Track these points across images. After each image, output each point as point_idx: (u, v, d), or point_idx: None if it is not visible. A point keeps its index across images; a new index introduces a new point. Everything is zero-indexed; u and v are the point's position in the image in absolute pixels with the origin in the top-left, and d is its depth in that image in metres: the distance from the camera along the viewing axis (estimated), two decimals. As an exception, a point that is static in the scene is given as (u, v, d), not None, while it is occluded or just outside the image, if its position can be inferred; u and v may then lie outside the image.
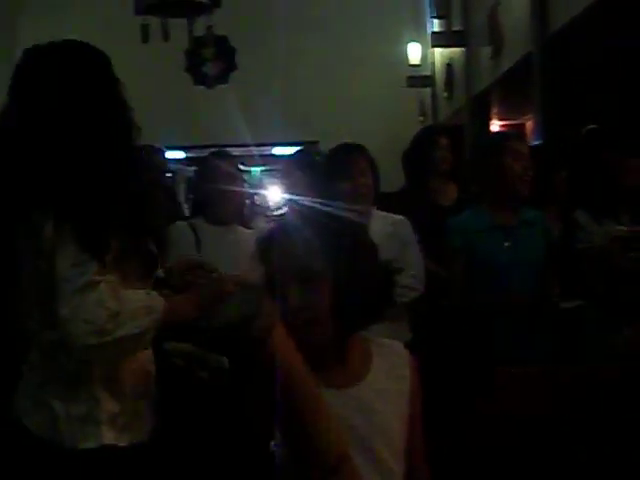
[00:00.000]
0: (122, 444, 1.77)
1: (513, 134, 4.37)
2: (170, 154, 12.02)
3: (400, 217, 3.29)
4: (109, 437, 1.75)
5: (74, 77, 1.80)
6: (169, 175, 8.14)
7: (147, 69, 11.29)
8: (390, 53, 11.72)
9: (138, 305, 1.72)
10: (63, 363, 1.75)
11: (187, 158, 12.79)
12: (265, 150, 12.10)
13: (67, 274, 1.65)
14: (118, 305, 1.67)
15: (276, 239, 1.51)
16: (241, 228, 3.47)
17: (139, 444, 1.81)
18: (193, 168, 13.68)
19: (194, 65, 12.07)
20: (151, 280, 1.89)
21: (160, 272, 2.00)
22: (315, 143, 11.01)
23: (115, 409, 1.77)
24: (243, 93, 11.54)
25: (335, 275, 1.47)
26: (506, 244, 3.22)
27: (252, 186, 12.48)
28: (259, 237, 1.60)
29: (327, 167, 3.37)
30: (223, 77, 12.18)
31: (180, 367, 2.59)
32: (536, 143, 6.06)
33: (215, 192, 3.35)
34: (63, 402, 1.74)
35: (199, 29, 9.74)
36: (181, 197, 12.53)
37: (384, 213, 3.29)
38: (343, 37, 11.76)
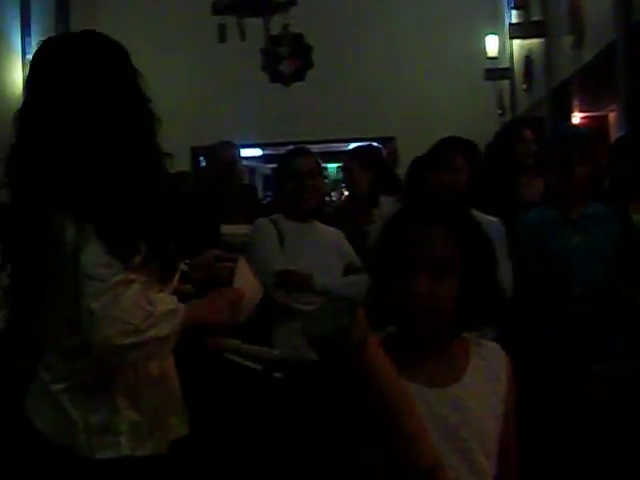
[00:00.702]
0: (140, 454, 1.73)
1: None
2: (247, 152, 12.19)
3: (492, 219, 3.18)
4: (128, 447, 1.72)
5: (91, 69, 1.72)
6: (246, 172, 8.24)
7: (224, 68, 11.40)
8: (467, 46, 11.54)
9: (166, 308, 1.69)
10: (83, 370, 1.72)
11: (264, 155, 12.92)
12: (341, 146, 12.10)
13: (96, 272, 1.61)
14: (151, 306, 1.65)
15: (409, 224, 1.50)
16: (321, 224, 3.46)
17: (159, 455, 1.77)
18: (271, 165, 13.82)
19: (270, 63, 12.13)
20: (171, 283, 1.85)
21: (182, 265, 1.96)
22: (391, 139, 10.97)
23: (135, 418, 1.74)
24: (319, 90, 11.56)
25: (465, 267, 1.47)
26: (575, 239, 3.16)
27: (329, 182, 12.54)
28: (384, 221, 1.58)
29: (427, 159, 3.36)
30: (299, 75, 12.20)
31: (231, 362, 2.60)
32: (620, 135, 5.88)
33: (296, 188, 3.35)
34: (82, 411, 1.71)
35: (275, 27, 9.80)
36: (260, 194, 12.70)
37: (476, 212, 3.24)
38: (419, 31, 11.64)
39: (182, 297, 1.88)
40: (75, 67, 1.70)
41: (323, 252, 3.31)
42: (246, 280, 1.96)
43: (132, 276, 1.65)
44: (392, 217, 1.55)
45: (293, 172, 3.35)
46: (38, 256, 1.70)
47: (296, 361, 2.76)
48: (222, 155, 4.08)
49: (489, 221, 3.15)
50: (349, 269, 3.36)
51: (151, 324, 1.63)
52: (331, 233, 3.45)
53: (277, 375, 2.88)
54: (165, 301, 1.72)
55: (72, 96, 1.69)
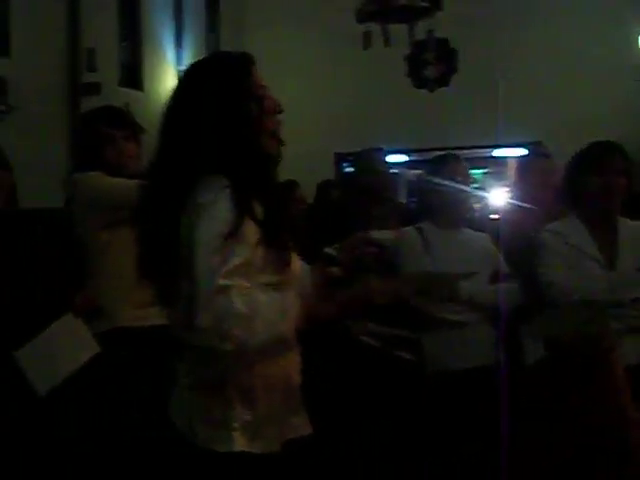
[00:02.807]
0: (254, 451, 1.79)
1: None
2: (392, 158, 12.17)
3: None
4: (241, 443, 1.78)
5: (216, 80, 1.85)
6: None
7: (368, 75, 11.45)
8: (618, 45, 11.10)
9: (273, 311, 1.70)
10: (204, 368, 1.80)
11: (409, 161, 12.86)
12: (486, 152, 11.89)
13: (205, 268, 1.66)
14: (251, 311, 1.65)
15: None
16: (470, 230, 3.40)
17: (273, 453, 1.82)
18: (415, 171, 13.73)
19: (415, 69, 12.09)
20: (288, 270, 1.86)
21: (330, 250, 2.00)
22: (538, 143, 10.68)
23: (248, 417, 1.80)
24: (464, 95, 11.41)
25: None
26: None
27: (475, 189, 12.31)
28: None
29: (579, 162, 3.23)
30: (444, 80, 12.10)
31: (375, 348, 2.59)
32: None
33: (448, 195, 3.31)
34: (200, 406, 1.80)
35: (419, 33, 9.76)
36: (403, 200, 12.65)
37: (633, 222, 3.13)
38: (566, 31, 11.29)
39: (330, 279, 1.96)
40: (205, 86, 1.86)
41: (470, 259, 3.25)
42: None
43: (229, 282, 1.66)
44: None
45: (445, 178, 3.31)
46: (173, 249, 1.78)
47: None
48: (372, 161, 4.09)
49: None
50: (497, 276, 3.30)
51: (252, 331, 1.65)
52: (480, 239, 3.39)
53: (404, 355, 2.86)
54: (272, 304, 1.73)
55: (201, 107, 1.84)
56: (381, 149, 4.28)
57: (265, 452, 1.80)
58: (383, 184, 4.01)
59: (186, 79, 1.92)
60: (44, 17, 9.15)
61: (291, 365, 1.92)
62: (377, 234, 3.73)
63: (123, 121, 3.19)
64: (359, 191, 4.05)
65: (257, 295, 1.70)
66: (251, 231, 1.73)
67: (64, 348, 2.65)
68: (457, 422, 2.99)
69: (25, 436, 2.54)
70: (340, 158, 10.60)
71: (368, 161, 4.11)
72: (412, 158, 12.62)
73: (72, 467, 2.82)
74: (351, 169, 4.23)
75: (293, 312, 1.72)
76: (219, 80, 1.84)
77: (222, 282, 1.64)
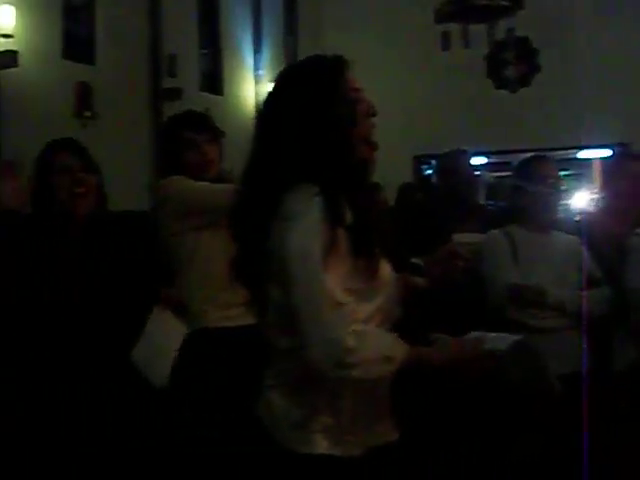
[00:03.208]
0: (336, 454, 1.80)
1: None
2: (472, 160, 12.02)
3: None
4: (323, 446, 1.79)
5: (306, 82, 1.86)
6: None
7: (448, 76, 11.36)
8: None
9: (379, 352, 1.70)
10: (289, 371, 1.82)
11: (488, 163, 12.70)
12: (569, 154, 11.65)
13: (306, 285, 1.66)
14: (359, 344, 1.66)
15: None
16: (560, 233, 3.32)
17: (354, 457, 1.82)
18: (496, 174, 13.56)
19: (495, 69, 11.94)
20: (377, 277, 1.84)
21: (417, 260, 2.00)
22: (625, 145, 10.40)
23: (330, 422, 1.80)
24: (547, 95, 11.21)
25: None
26: None
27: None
28: None
29: None
30: (526, 80, 11.91)
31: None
32: None
33: (539, 197, 3.24)
34: (285, 408, 1.82)
35: (499, 32, 9.63)
36: (482, 203, 12.50)
37: None
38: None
39: (414, 289, 1.99)
40: (291, 95, 1.86)
41: (559, 264, 3.17)
42: None
43: (343, 300, 1.68)
44: None
45: (537, 180, 3.23)
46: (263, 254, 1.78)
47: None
48: (457, 164, 4.05)
49: None
50: (588, 282, 3.21)
51: (354, 363, 1.66)
52: (570, 243, 3.30)
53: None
54: (381, 344, 1.73)
55: (294, 110, 1.83)
56: (465, 151, 4.23)
57: (346, 455, 1.81)
58: (468, 187, 3.95)
59: (278, 84, 1.92)
60: (127, 25, 9.38)
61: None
62: (462, 237, 3.69)
63: (205, 125, 3.23)
64: (443, 194, 4.00)
65: (367, 330, 1.72)
66: (342, 239, 1.73)
67: (163, 338, 2.73)
68: (544, 428, 2.93)
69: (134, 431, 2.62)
70: (419, 160, 10.52)
71: (453, 163, 4.06)
72: (491, 160, 12.46)
73: (157, 463, 2.89)
74: (432, 171, 4.19)
75: (397, 359, 1.71)
76: (308, 84, 1.84)
77: (330, 300, 1.66)
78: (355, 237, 1.75)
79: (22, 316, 2.54)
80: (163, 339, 2.73)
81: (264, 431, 1.84)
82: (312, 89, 1.82)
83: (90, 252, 2.71)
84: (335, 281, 1.68)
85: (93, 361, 2.61)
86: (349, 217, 1.76)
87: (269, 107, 1.90)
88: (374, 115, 1.88)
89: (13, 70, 7.64)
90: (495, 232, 3.33)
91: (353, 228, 1.75)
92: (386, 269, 1.91)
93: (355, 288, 1.76)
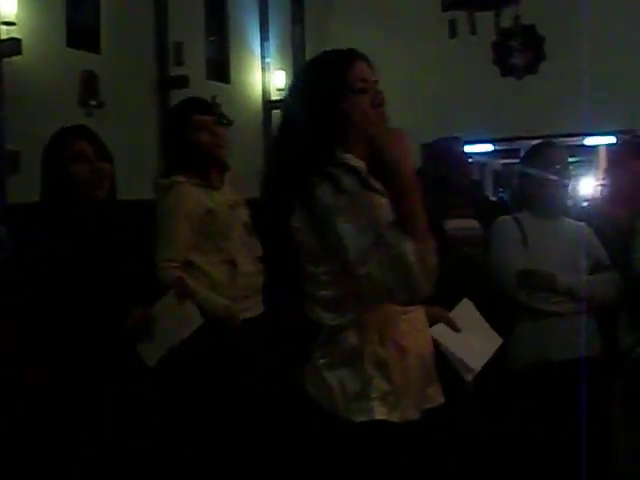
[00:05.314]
0: (393, 420, 1.88)
1: None
2: (478, 147, 12.03)
3: None
4: (381, 412, 1.88)
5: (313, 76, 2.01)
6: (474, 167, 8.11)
7: (455, 64, 11.33)
8: None
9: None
10: (339, 344, 1.91)
11: (495, 151, 12.69)
12: (576, 140, 11.64)
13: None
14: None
15: None
16: (569, 220, 3.32)
17: (411, 422, 1.91)
18: (503, 161, 13.51)
19: (502, 57, 11.91)
20: None
21: None
22: (630, 132, 10.37)
23: (385, 388, 1.89)
24: (553, 82, 11.18)
25: None
26: None
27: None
28: None
29: None
30: (532, 67, 11.88)
31: None
32: None
33: (548, 184, 3.23)
34: (339, 381, 1.90)
35: (506, 20, 9.61)
36: (489, 190, 12.49)
37: None
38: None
39: None
40: (303, 87, 2.03)
41: (568, 250, 3.16)
42: None
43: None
44: None
45: (546, 167, 3.23)
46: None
47: None
48: (449, 150, 4.04)
49: None
50: (597, 267, 3.21)
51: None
52: (578, 229, 3.30)
53: None
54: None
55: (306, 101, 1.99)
56: (457, 138, 4.21)
57: (404, 420, 1.90)
58: (458, 173, 3.94)
59: (296, 76, 2.13)
60: (132, 13, 9.37)
61: (423, 340, 2.03)
62: (457, 223, 3.69)
63: (212, 109, 3.38)
64: (433, 181, 4.02)
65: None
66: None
67: (168, 323, 2.74)
68: (556, 413, 2.94)
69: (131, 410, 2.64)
70: (426, 148, 10.53)
71: (443, 151, 4.05)
72: (498, 147, 12.46)
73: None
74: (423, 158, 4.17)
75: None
76: (317, 75, 1.98)
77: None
78: None
79: (55, 305, 2.56)
80: (166, 323, 2.74)
81: (321, 407, 1.92)
82: (319, 80, 1.96)
83: (107, 239, 2.72)
84: None
85: (103, 351, 2.62)
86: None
87: (288, 97, 2.06)
88: (381, 105, 1.97)
89: (17, 58, 7.62)
90: (505, 218, 3.34)
91: None
92: None
93: None
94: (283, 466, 2.86)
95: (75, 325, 2.55)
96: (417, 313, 2.01)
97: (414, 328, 1.97)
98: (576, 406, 2.76)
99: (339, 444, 1.89)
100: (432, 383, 2.05)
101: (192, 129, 3.16)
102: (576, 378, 2.87)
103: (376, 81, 1.98)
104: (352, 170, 1.86)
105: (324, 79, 1.94)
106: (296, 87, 2.04)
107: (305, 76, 2.04)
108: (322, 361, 1.95)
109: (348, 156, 1.91)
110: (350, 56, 1.99)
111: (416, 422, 1.93)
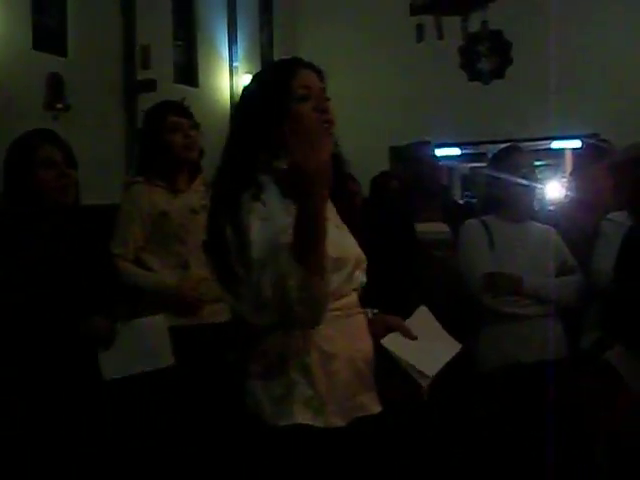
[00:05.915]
0: (318, 425, 1.86)
1: None
2: (446, 151, 12.10)
3: None
4: (304, 417, 1.86)
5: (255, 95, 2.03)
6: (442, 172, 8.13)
7: (422, 68, 11.39)
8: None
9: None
10: (265, 350, 1.91)
11: (463, 155, 12.76)
12: (542, 144, 11.75)
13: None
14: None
15: None
16: (536, 224, 3.34)
17: (336, 428, 1.89)
18: (470, 165, 13.57)
19: (469, 61, 11.99)
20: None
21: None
22: (595, 136, 10.49)
23: (308, 393, 1.88)
24: (519, 87, 11.28)
25: None
26: None
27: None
28: None
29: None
30: (499, 72, 11.98)
31: None
32: None
33: (514, 188, 3.25)
34: (266, 388, 1.91)
35: (473, 25, 9.68)
36: (457, 194, 12.55)
37: None
38: (623, 20, 11.12)
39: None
40: (248, 95, 2.06)
41: (535, 253, 3.18)
42: None
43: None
44: None
45: (512, 171, 3.25)
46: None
47: None
48: (419, 153, 4.06)
49: None
50: (563, 270, 3.24)
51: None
52: (545, 232, 3.32)
53: None
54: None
55: (242, 114, 2.04)
56: (428, 142, 4.23)
57: (329, 426, 1.88)
58: (429, 177, 3.96)
59: (243, 87, 2.10)
60: (99, 16, 9.30)
61: (359, 346, 2.00)
62: (427, 227, 3.71)
63: (187, 112, 3.37)
64: (405, 184, 4.03)
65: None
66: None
67: (142, 345, 2.73)
68: (524, 415, 2.95)
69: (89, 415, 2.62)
70: (395, 152, 10.56)
71: (414, 155, 4.07)
72: (465, 151, 12.53)
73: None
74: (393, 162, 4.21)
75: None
76: (260, 84, 2.02)
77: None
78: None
79: (16, 311, 2.55)
80: (140, 344, 2.74)
81: (251, 416, 1.91)
82: (262, 87, 2.00)
83: (72, 245, 2.70)
84: None
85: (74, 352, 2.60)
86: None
87: (236, 105, 2.11)
88: (324, 111, 1.95)
89: (-19, 61, 7.56)
90: (472, 221, 3.35)
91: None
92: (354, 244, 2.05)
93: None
94: (214, 469, 2.85)
95: (35, 330, 2.54)
96: (354, 318, 1.98)
97: (343, 333, 1.93)
98: (543, 408, 2.78)
99: (263, 447, 1.89)
100: (366, 391, 1.99)
101: (166, 130, 3.20)
102: (543, 380, 2.88)
103: (323, 88, 1.98)
104: (281, 179, 1.86)
105: (266, 86, 1.97)
106: (242, 96, 2.07)
107: (251, 84, 2.06)
108: (250, 369, 1.94)
109: (282, 164, 1.86)
110: (294, 65, 2.01)
111: (343, 429, 1.89)
